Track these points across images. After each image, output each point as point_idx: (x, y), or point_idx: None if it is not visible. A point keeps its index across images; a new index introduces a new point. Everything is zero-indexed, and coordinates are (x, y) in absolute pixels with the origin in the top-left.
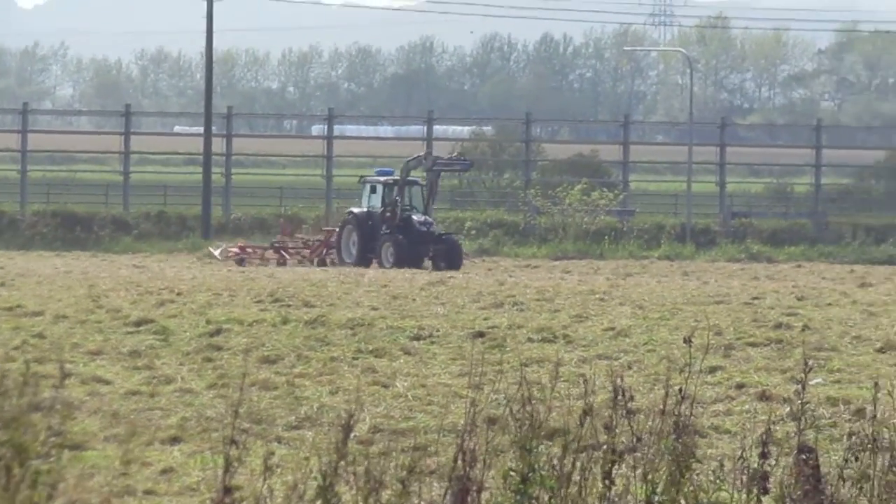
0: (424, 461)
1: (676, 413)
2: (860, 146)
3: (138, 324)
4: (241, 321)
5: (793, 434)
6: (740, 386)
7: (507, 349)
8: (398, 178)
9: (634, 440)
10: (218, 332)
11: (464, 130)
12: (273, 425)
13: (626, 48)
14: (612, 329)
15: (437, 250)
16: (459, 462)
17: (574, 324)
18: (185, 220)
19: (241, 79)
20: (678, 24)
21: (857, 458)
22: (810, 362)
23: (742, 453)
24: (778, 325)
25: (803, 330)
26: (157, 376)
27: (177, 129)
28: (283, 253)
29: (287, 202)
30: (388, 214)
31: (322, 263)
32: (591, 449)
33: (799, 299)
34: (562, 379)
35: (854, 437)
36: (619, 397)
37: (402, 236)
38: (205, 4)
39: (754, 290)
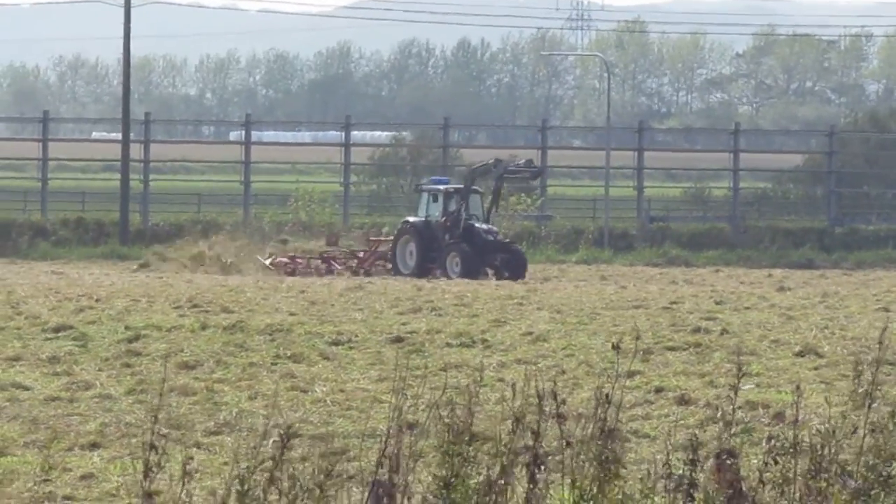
0: (344, 465)
1: (602, 418)
2: (778, 150)
3: (57, 330)
4: (159, 327)
5: (714, 439)
6: (659, 390)
7: (426, 354)
8: (459, 186)
9: (564, 445)
10: (137, 338)
11: (382, 136)
12: (192, 431)
13: (543, 53)
14: (531, 334)
15: (502, 259)
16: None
17: (492, 329)
18: (103, 226)
19: (159, 85)
20: (595, 28)
21: (776, 462)
22: (743, 368)
23: (667, 459)
24: (696, 330)
25: (722, 334)
26: (76, 382)
27: (95, 135)
28: (332, 263)
29: (205, 208)
30: (448, 224)
31: (368, 274)
32: (516, 454)
33: (717, 303)
34: (482, 384)
35: (774, 441)
36: (552, 401)
37: (467, 245)
38: (122, 11)
39: (673, 294)
